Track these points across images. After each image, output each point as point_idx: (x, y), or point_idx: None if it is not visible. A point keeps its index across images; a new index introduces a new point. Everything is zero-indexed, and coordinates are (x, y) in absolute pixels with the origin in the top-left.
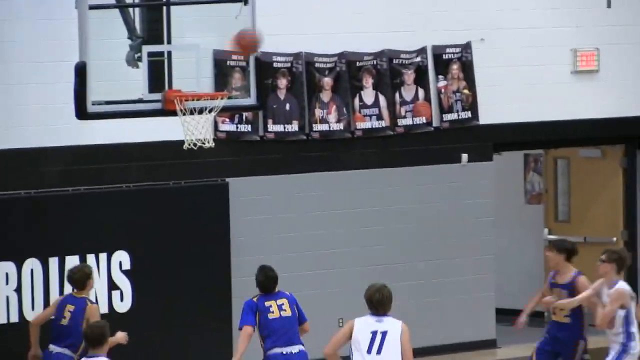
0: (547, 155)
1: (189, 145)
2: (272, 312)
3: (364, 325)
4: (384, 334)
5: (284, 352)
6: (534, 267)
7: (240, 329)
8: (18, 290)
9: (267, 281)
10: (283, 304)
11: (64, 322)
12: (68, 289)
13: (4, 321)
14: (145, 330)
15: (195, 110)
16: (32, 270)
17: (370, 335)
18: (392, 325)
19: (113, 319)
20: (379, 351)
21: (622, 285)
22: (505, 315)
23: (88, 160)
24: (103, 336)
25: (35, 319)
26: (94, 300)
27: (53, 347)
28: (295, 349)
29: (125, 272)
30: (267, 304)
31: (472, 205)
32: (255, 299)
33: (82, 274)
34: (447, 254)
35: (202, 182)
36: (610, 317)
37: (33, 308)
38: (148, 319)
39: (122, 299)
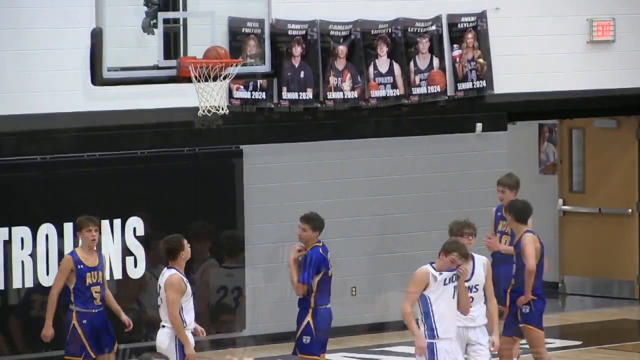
0: (561, 126)
1: (204, 112)
2: (330, 268)
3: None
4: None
5: (329, 308)
6: (548, 237)
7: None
8: (33, 255)
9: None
10: (329, 260)
11: None
12: None
13: (19, 286)
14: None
15: (209, 77)
16: (47, 235)
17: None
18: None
19: (126, 284)
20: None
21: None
22: None
23: (103, 126)
24: (176, 249)
25: None
26: (73, 252)
27: None
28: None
29: (139, 238)
30: (328, 256)
31: (486, 174)
32: (322, 251)
33: (78, 221)
34: None
35: (216, 149)
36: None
37: (48, 273)
38: None
39: (135, 265)
